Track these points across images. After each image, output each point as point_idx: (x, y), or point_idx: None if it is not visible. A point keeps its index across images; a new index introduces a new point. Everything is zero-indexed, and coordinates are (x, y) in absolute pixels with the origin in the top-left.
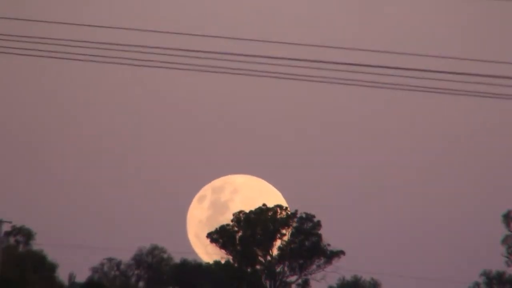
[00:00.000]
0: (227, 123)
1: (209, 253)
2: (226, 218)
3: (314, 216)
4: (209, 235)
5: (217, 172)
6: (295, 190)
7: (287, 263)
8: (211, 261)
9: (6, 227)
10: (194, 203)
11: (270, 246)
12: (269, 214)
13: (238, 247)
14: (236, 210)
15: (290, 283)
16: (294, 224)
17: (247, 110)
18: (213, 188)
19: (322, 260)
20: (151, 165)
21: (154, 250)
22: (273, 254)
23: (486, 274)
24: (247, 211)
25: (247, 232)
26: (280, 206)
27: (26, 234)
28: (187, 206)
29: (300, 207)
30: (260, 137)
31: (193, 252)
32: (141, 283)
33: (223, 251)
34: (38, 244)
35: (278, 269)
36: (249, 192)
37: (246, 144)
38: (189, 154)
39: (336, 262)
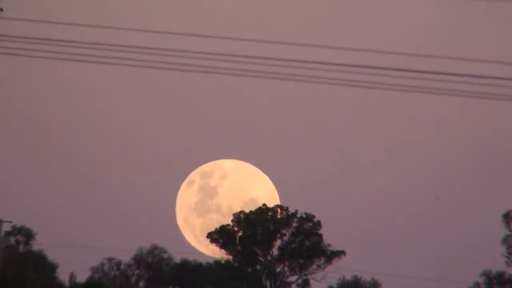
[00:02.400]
0: (216, 108)
1: (214, 253)
2: (215, 203)
3: (314, 216)
4: (209, 235)
5: (206, 157)
6: (294, 189)
7: (287, 263)
8: (205, 251)
9: (6, 227)
10: (183, 187)
11: (270, 246)
12: (269, 214)
13: (238, 247)
14: (225, 195)
15: (290, 283)
16: (294, 224)
17: (237, 96)
18: (202, 173)
19: (322, 260)
20: (142, 152)
21: (154, 250)
22: (273, 254)
23: (486, 274)
24: (246, 210)
25: (247, 232)
26: (280, 206)
27: (26, 234)
28: (175, 191)
29: (300, 207)
30: (250, 123)
31: (188, 244)
32: (141, 283)
33: (223, 251)
34: (38, 244)
35: (278, 269)
36: (238, 177)
37: (235, 129)
38: (178, 139)
39: (336, 262)
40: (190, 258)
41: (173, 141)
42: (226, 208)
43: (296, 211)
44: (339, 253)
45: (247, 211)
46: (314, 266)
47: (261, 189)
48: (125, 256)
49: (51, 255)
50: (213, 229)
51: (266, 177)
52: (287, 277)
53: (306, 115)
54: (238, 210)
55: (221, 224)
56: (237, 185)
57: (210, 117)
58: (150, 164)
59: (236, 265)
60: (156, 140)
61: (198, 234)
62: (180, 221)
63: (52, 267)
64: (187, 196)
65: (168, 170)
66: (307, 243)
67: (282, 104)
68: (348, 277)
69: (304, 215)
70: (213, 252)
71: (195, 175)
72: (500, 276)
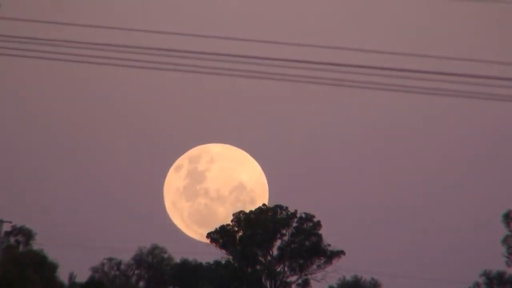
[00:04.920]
0: (204, 93)
1: (202, 237)
2: (203, 187)
3: (314, 216)
4: (209, 235)
5: (194, 141)
6: (294, 189)
7: (287, 263)
8: (192, 234)
9: (6, 227)
10: (171, 172)
11: (270, 246)
12: (269, 214)
13: (238, 247)
14: (213, 179)
15: (290, 283)
16: (294, 224)
17: (226, 83)
18: (190, 158)
19: (322, 260)
20: (131, 137)
21: (155, 250)
22: (273, 254)
23: (486, 274)
24: (235, 195)
25: (247, 232)
26: (280, 206)
27: (26, 234)
28: (163, 176)
29: (300, 207)
30: (239, 106)
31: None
32: (141, 283)
33: (223, 251)
34: (38, 244)
35: (278, 269)
36: (226, 162)
37: (224, 113)
38: (166, 123)
39: (336, 262)
40: (190, 258)
41: (161, 125)
42: (214, 193)
43: (296, 211)
44: (339, 253)
45: (235, 195)
46: (314, 266)
47: (249, 173)
48: (125, 256)
49: (51, 255)
50: (201, 213)
51: (254, 161)
52: (287, 277)
53: (305, 113)
54: (226, 194)
55: (209, 208)
56: (225, 170)
57: (198, 101)
58: (139, 149)
59: (236, 265)
60: (145, 125)
61: (186, 218)
62: (168, 205)
63: (52, 267)
64: (175, 181)
65: (156, 155)
66: (307, 243)
67: (275, 98)
68: (348, 277)
69: (304, 215)
70: (201, 236)
71: (183, 160)
72: (500, 276)
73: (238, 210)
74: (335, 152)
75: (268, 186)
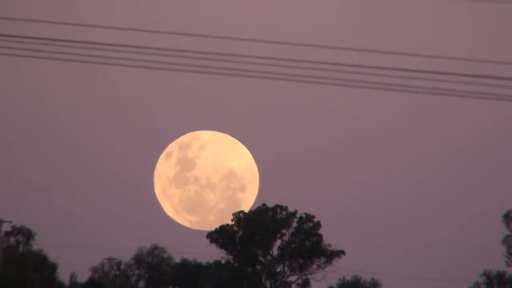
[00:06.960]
0: (195, 80)
1: (192, 224)
2: (193, 175)
3: (314, 216)
4: (209, 235)
5: (184, 128)
6: (294, 189)
7: (287, 263)
8: (182, 222)
9: (6, 227)
10: (161, 160)
11: (270, 246)
12: (269, 214)
13: (238, 247)
14: (204, 166)
15: (290, 283)
16: (294, 224)
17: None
18: (180, 145)
19: (322, 260)
20: (122, 124)
21: (155, 250)
22: (273, 254)
23: (486, 274)
24: (225, 182)
25: (247, 232)
26: (280, 206)
27: (26, 234)
28: (154, 163)
29: (300, 207)
30: (231, 94)
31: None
32: (141, 283)
33: (223, 251)
34: (38, 244)
35: (278, 269)
36: (216, 148)
37: (214, 99)
38: (156, 111)
39: (336, 262)
40: (190, 258)
41: (151, 112)
42: (204, 180)
43: (296, 211)
44: (339, 253)
45: (226, 182)
46: (314, 266)
47: (240, 160)
48: (125, 256)
49: (51, 255)
50: (191, 200)
51: (245, 148)
52: (287, 277)
53: (302, 109)
54: (216, 182)
55: (200, 195)
56: (216, 156)
57: (188, 88)
58: (129, 135)
59: (236, 265)
60: (135, 113)
61: (176, 205)
62: (158, 192)
63: (52, 267)
64: (165, 168)
65: (146, 142)
66: (307, 243)
67: (269, 91)
68: (348, 277)
69: (304, 215)
70: (191, 223)
71: (173, 147)
72: (500, 276)
73: (228, 197)
74: (335, 152)
75: (259, 173)
